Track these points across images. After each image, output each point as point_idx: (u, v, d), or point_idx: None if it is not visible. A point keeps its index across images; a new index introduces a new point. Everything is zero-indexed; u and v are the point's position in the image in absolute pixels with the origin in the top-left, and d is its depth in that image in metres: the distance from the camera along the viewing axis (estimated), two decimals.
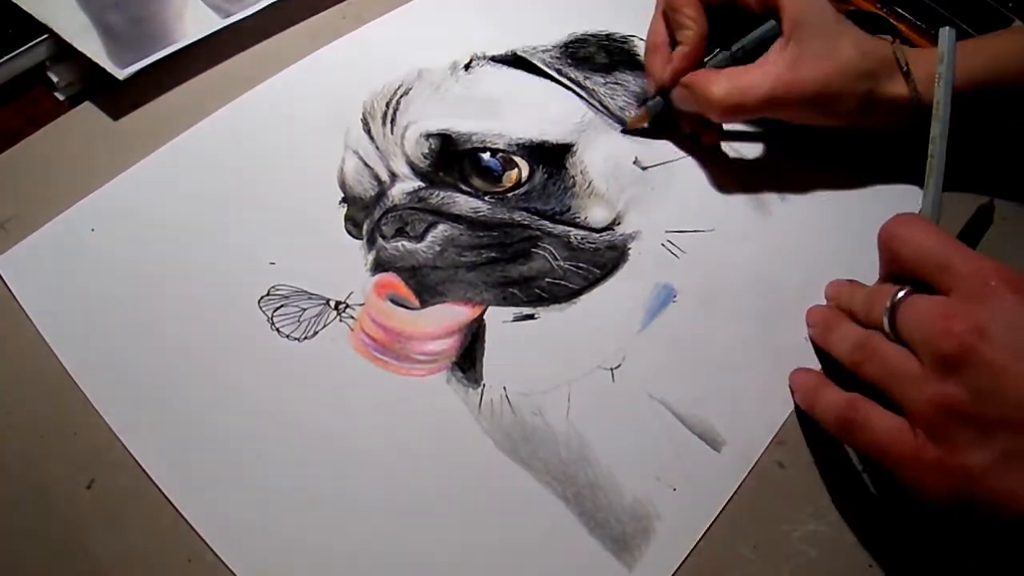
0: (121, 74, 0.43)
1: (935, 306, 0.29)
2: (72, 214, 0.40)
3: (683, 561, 0.33)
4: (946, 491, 0.28)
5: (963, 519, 0.29)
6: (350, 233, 0.41)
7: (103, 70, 0.44)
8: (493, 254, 0.39)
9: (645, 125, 0.44)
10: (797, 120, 0.40)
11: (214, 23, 0.47)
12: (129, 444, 0.34)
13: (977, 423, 0.27)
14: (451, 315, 0.38)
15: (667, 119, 0.44)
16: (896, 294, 0.31)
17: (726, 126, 0.45)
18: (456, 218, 0.40)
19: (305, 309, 0.38)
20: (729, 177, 0.44)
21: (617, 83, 0.47)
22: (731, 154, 0.45)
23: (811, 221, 0.43)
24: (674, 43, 0.42)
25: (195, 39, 0.46)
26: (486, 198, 0.41)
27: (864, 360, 0.32)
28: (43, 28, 0.45)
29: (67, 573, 0.31)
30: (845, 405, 0.32)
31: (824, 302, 0.39)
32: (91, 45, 0.44)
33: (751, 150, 0.46)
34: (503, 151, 0.43)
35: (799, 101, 0.38)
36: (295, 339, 0.37)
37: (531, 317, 0.38)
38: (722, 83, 0.39)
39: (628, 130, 0.44)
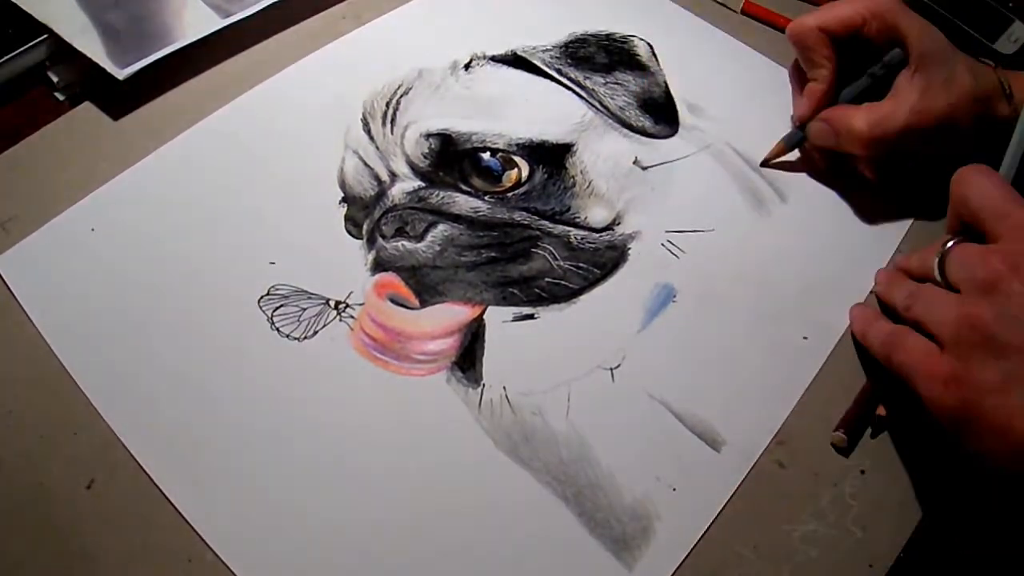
0: (121, 74, 0.43)
1: (980, 248, 0.32)
2: (72, 214, 0.40)
3: (683, 561, 0.33)
4: (953, 403, 0.30)
5: (964, 438, 0.31)
6: (350, 233, 0.41)
7: (103, 70, 0.44)
8: (493, 254, 0.39)
9: (783, 157, 0.45)
10: (924, 149, 0.41)
11: (214, 23, 0.47)
12: (129, 444, 0.34)
13: (995, 343, 0.29)
14: (451, 315, 0.38)
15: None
16: (947, 243, 0.33)
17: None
18: (456, 218, 0.40)
19: (305, 309, 0.38)
20: (729, 177, 0.44)
21: (617, 83, 0.47)
22: (730, 153, 0.45)
23: (811, 221, 0.43)
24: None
25: (195, 39, 0.46)
26: (486, 198, 0.41)
27: (912, 304, 0.34)
28: (43, 28, 0.45)
29: (67, 573, 0.31)
30: (890, 330, 0.35)
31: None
32: (91, 45, 0.44)
33: (751, 149, 0.46)
34: (503, 151, 0.43)
35: (932, 128, 0.40)
36: (295, 339, 0.37)
37: (531, 317, 0.38)
38: (862, 117, 0.40)
39: (765, 164, 0.45)
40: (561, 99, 0.46)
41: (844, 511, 0.34)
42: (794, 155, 0.45)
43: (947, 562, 0.33)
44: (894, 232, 0.43)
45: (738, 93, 0.49)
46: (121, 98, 0.45)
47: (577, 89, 0.47)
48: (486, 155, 0.43)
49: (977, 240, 0.33)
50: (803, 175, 0.45)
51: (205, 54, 0.47)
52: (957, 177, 0.34)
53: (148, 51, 0.45)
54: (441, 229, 0.40)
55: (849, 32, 0.41)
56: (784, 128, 0.46)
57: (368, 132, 0.44)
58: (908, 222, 0.44)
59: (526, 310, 0.38)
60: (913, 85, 0.40)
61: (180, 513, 0.32)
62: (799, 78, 0.44)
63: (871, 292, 0.41)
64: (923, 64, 0.40)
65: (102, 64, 0.44)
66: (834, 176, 0.44)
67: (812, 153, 0.44)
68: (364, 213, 0.41)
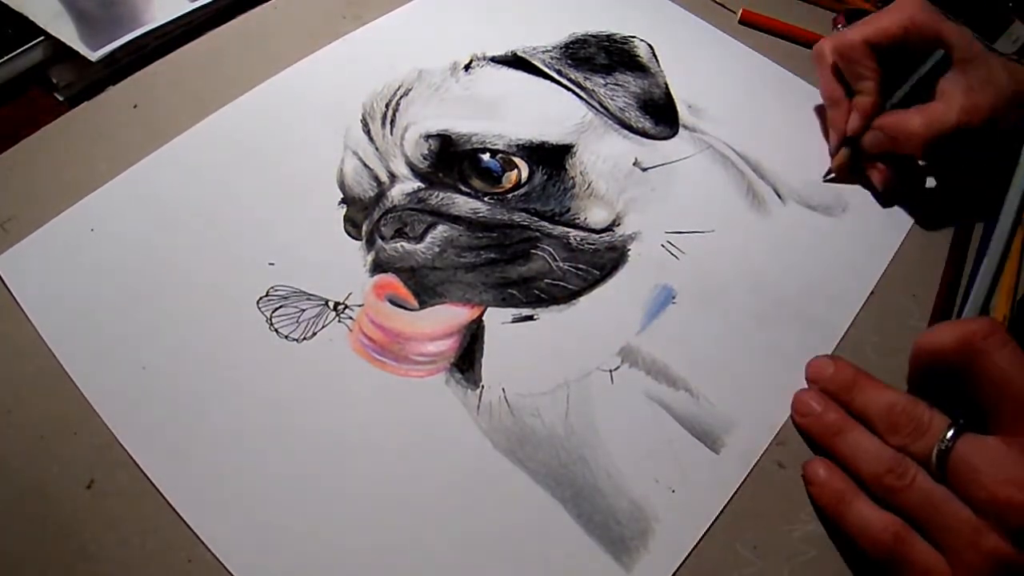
0: (93, 56, 0.44)
1: (1000, 465, 0.29)
2: (72, 214, 0.40)
3: (683, 562, 0.33)
4: None
5: None
6: (349, 234, 0.41)
7: (103, 70, 0.44)
8: (492, 255, 0.39)
9: (835, 174, 0.45)
10: (973, 146, 0.42)
11: (183, 6, 0.48)
12: (127, 445, 0.34)
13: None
14: (450, 316, 0.38)
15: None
16: (947, 433, 0.31)
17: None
18: (455, 219, 0.40)
19: (304, 310, 0.38)
20: (729, 178, 0.44)
21: (617, 84, 0.47)
22: (731, 154, 0.45)
23: (811, 222, 0.43)
24: (850, 93, 0.44)
25: (165, 21, 0.47)
26: (486, 199, 0.41)
27: (902, 489, 0.31)
28: (40, 30, 0.45)
29: (67, 573, 0.31)
30: (888, 533, 0.31)
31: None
32: (64, 29, 0.45)
33: (751, 150, 0.46)
34: (503, 152, 0.43)
35: (980, 126, 0.41)
36: (294, 340, 0.37)
37: (530, 318, 0.38)
38: (917, 119, 0.41)
39: (828, 179, 0.45)
40: (561, 100, 0.46)
41: None
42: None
43: None
44: (894, 233, 0.43)
45: (738, 94, 0.49)
46: (121, 98, 0.45)
47: (577, 90, 0.47)
48: (486, 156, 0.43)
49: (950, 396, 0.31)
50: (801, 176, 0.45)
51: (205, 54, 0.47)
52: (971, 348, 0.31)
53: (120, 34, 0.45)
54: (440, 230, 0.40)
55: (892, 43, 0.42)
56: (784, 129, 0.46)
57: (368, 133, 0.44)
58: (908, 223, 0.44)
59: (525, 311, 0.38)
60: (957, 86, 0.41)
61: (178, 514, 0.32)
62: (834, 96, 0.45)
63: (871, 293, 0.41)
64: (964, 66, 0.41)
65: (75, 47, 0.44)
66: (892, 184, 0.44)
67: (868, 165, 0.45)
68: (363, 214, 0.41)
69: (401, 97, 0.45)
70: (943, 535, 0.30)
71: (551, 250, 0.40)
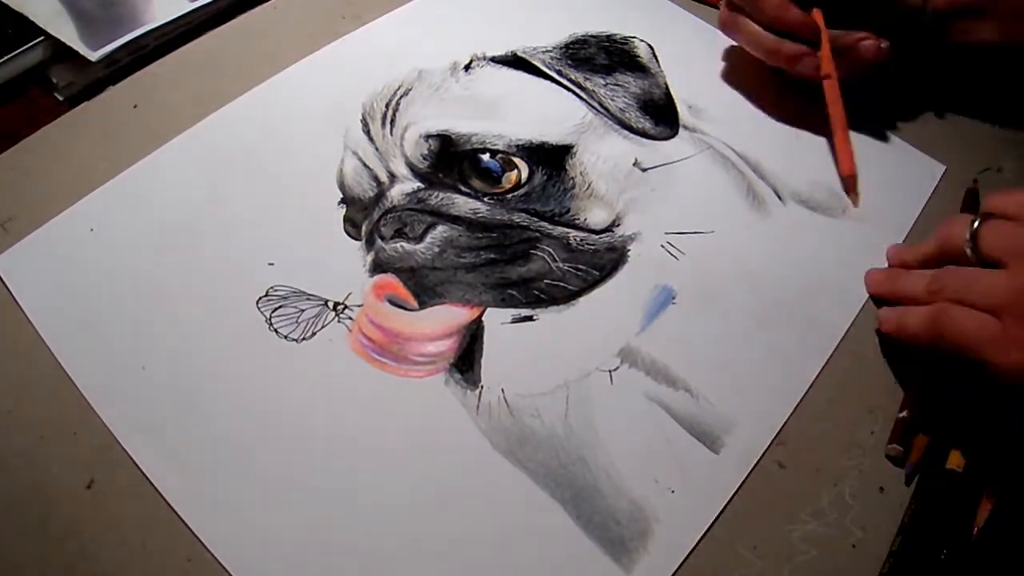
0: (93, 56, 0.44)
1: (1017, 223, 0.34)
2: (71, 214, 0.40)
3: (682, 562, 0.33)
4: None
5: None
6: (349, 234, 0.41)
7: (103, 70, 0.44)
8: (492, 255, 0.39)
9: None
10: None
11: (183, 6, 0.48)
12: (126, 445, 0.34)
13: None
14: (449, 316, 0.38)
15: None
16: (974, 220, 0.35)
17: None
18: (455, 219, 0.40)
19: (303, 310, 0.38)
20: (729, 178, 0.44)
21: (617, 84, 0.47)
22: (731, 155, 0.45)
23: (811, 222, 0.43)
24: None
25: (164, 21, 0.47)
26: (485, 199, 0.41)
27: (943, 286, 0.35)
28: (40, 30, 0.45)
29: (67, 573, 0.31)
30: (929, 311, 0.35)
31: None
32: (64, 29, 0.45)
33: (751, 150, 0.46)
34: (503, 152, 0.43)
35: None
36: (293, 340, 0.37)
37: (529, 319, 0.38)
38: None
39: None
40: (561, 100, 0.46)
41: (844, 511, 0.34)
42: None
43: (946, 561, 0.33)
44: (894, 233, 0.43)
45: (738, 94, 0.49)
46: (121, 98, 0.45)
47: (577, 90, 0.47)
48: (486, 156, 0.43)
49: None
50: (801, 176, 0.45)
51: (205, 54, 0.47)
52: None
53: (120, 34, 0.45)
54: (440, 230, 0.40)
55: None
56: (784, 129, 0.46)
57: (367, 133, 0.44)
58: (909, 223, 0.44)
59: (525, 312, 0.38)
60: None
61: (177, 513, 0.32)
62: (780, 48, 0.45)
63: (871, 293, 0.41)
64: None
65: (75, 47, 0.44)
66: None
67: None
68: (363, 214, 0.41)
69: (401, 97, 0.45)
70: (985, 295, 0.33)
71: (551, 250, 0.40)
